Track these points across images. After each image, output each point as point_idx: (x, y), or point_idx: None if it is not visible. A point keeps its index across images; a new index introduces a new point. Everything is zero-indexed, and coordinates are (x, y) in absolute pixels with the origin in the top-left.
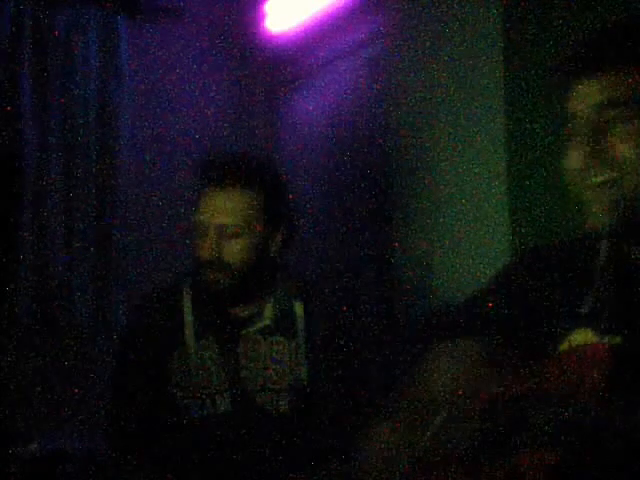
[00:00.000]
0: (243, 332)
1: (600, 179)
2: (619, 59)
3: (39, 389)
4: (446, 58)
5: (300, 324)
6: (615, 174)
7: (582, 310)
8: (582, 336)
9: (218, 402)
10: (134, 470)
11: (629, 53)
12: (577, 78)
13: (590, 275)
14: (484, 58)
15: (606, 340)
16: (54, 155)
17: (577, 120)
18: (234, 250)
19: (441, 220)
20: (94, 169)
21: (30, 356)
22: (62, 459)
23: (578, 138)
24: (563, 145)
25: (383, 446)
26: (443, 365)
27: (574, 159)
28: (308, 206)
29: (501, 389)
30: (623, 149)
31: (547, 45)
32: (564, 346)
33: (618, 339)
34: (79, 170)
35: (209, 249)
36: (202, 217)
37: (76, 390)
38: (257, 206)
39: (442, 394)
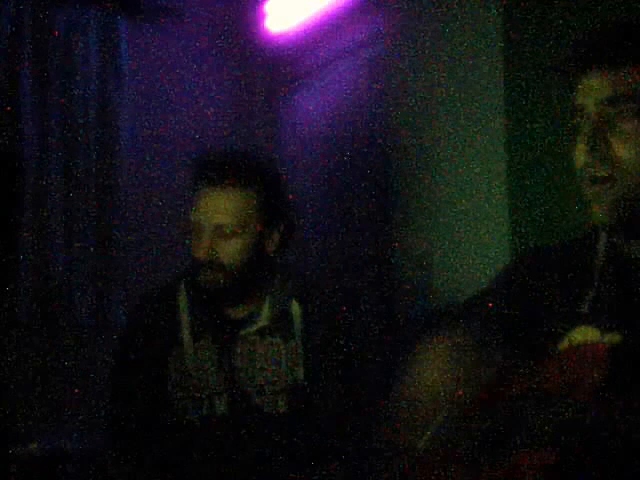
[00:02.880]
0: (241, 333)
1: (599, 175)
2: (626, 55)
3: (39, 389)
4: (446, 58)
5: (298, 324)
6: (614, 171)
7: (582, 309)
8: (582, 334)
9: (216, 403)
10: (134, 470)
11: (635, 50)
12: (583, 72)
13: (590, 274)
14: (484, 58)
15: (606, 339)
16: (54, 155)
17: (582, 114)
18: (231, 250)
19: (441, 220)
20: (94, 169)
21: (30, 356)
22: (62, 459)
23: (582, 133)
24: (563, 144)
25: (384, 445)
26: (437, 359)
27: (578, 154)
28: (308, 206)
29: (501, 389)
30: (623, 147)
31: (547, 45)
32: (564, 345)
33: (618, 337)
34: (79, 170)
35: (205, 249)
36: (198, 217)
37: (76, 390)
38: (254, 205)
39: (439, 391)
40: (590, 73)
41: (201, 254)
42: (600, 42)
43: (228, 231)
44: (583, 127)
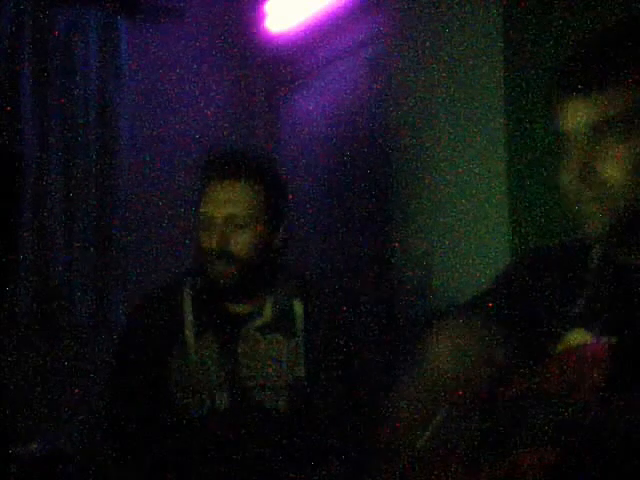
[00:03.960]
0: (243, 330)
1: (589, 195)
2: (607, 79)
3: (39, 389)
4: (446, 58)
5: (299, 323)
6: (602, 193)
7: (575, 310)
8: (577, 336)
9: (217, 401)
10: (134, 470)
11: (617, 73)
12: (567, 96)
13: (586, 275)
14: (484, 58)
15: (603, 340)
16: (54, 155)
17: (568, 139)
18: (242, 241)
19: (441, 220)
20: (94, 169)
21: (30, 356)
22: (62, 459)
23: (569, 157)
24: (558, 158)
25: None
26: (437, 359)
27: (565, 176)
28: (308, 206)
29: (501, 389)
30: (609, 170)
31: (547, 45)
32: (561, 346)
33: (613, 339)
34: (79, 170)
35: (217, 240)
36: (209, 209)
37: (76, 390)
38: (262, 199)
39: (439, 391)
40: (573, 99)
41: (212, 245)
42: (580, 68)
43: (239, 222)
44: (570, 150)
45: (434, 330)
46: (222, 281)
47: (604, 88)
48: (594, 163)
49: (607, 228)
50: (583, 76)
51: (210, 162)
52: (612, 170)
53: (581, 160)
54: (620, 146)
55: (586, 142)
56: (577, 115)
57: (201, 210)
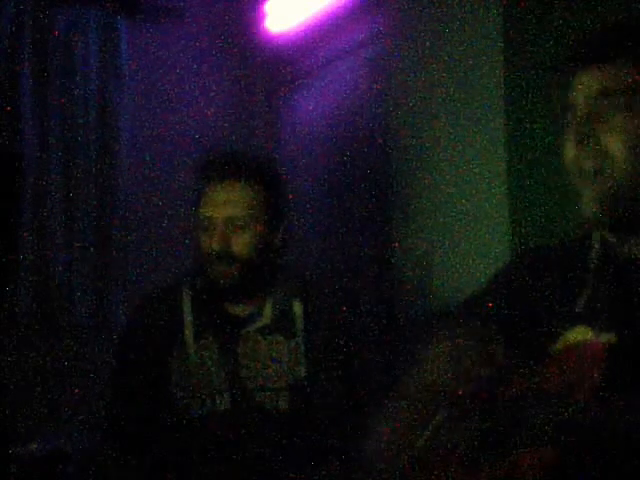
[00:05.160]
0: (243, 332)
1: (589, 168)
2: (613, 51)
3: (39, 389)
4: (446, 58)
5: (299, 324)
6: (603, 164)
7: (577, 309)
8: (577, 334)
9: (218, 401)
10: (134, 470)
11: (625, 47)
12: (575, 71)
13: (586, 274)
14: (484, 58)
15: (604, 339)
16: (54, 155)
17: (573, 111)
18: (242, 241)
19: (441, 220)
20: (94, 169)
21: (30, 356)
22: (62, 459)
23: (572, 128)
24: (563, 144)
25: (384, 445)
26: (437, 358)
27: (567, 148)
28: (308, 206)
29: (501, 389)
30: (611, 140)
31: (547, 45)
32: (560, 345)
33: (614, 337)
34: (79, 170)
35: (218, 241)
36: (209, 211)
37: (76, 390)
38: (262, 200)
39: (439, 391)
40: (581, 71)
41: (213, 246)
42: (589, 42)
43: (239, 223)
44: (572, 122)
45: (433, 331)
46: (222, 282)
47: (610, 60)
48: (597, 133)
49: (605, 204)
50: (590, 49)
51: (209, 163)
52: (613, 141)
53: (583, 130)
54: (623, 118)
55: (589, 112)
56: (583, 86)
57: (201, 211)
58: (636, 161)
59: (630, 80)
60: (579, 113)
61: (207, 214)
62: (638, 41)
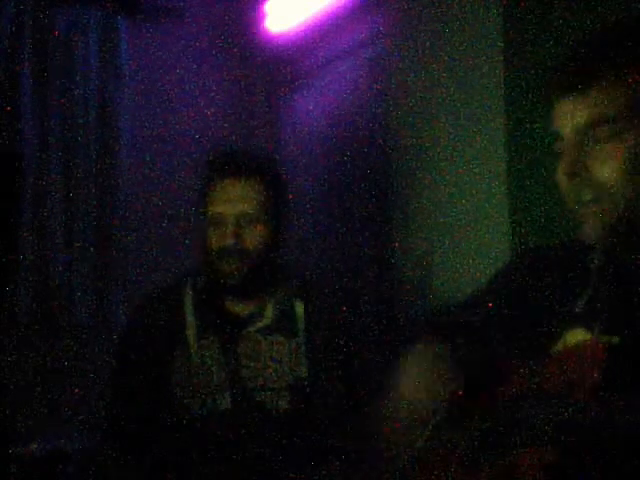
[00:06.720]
0: (244, 332)
1: (586, 197)
2: (596, 79)
3: (39, 389)
4: (446, 58)
5: (300, 324)
6: (598, 194)
7: (577, 310)
8: (575, 336)
9: (218, 401)
10: (134, 470)
11: (604, 71)
12: (557, 98)
13: (586, 275)
14: (484, 58)
15: (604, 339)
16: (54, 155)
17: (561, 142)
18: (254, 237)
19: (441, 220)
20: (94, 169)
21: (30, 356)
22: (62, 459)
23: (563, 160)
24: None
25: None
26: (437, 358)
27: (560, 178)
28: (308, 206)
29: (501, 389)
30: (603, 170)
31: (547, 45)
32: (559, 346)
33: (614, 339)
34: (79, 170)
35: (230, 237)
36: (219, 207)
37: (76, 390)
38: (270, 196)
39: (438, 391)
40: (564, 99)
41: (225, 242)
42: (567, 70)
43: (249, 219)
44: (564, 151)
45: (402, 360)
46: (231, 277)
47: (590, 89)
48: (588, 164)
49: (606, 230)
50: (570, 78)
51: (215, 161)
52: (606, 171)
53: (574, 166)
54: (611, 147)
55: (576, 143)
56: (567, 116)
57: (210, 209)
58: (632, 185)
59: (612, 108)
60: (567, 145)
61: (218, 210)
62: (614, 66)
